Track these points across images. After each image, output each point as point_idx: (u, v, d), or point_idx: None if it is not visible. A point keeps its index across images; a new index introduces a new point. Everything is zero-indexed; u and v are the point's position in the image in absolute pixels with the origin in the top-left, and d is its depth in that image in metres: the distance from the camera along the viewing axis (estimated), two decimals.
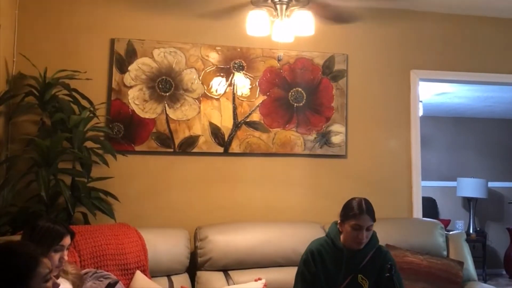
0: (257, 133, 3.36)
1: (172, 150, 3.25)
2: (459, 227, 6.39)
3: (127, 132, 3.19)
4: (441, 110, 6.54)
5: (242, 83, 3.36)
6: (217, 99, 3.33)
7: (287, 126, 3.41)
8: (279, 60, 3.30)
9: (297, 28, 2.99)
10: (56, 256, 1.88)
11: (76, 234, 2.11)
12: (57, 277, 1.89)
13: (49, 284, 1.49)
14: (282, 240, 2.95)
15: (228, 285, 2.75)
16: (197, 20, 3.36)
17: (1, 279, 1.39)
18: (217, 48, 3.35)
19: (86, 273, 2.26)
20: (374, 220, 2.34)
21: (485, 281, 5.74)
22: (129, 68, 3.21)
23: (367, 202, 2.38)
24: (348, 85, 3.53)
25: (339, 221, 2.42)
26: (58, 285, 1.53)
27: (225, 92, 3.34)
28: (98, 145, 2.92)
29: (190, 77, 3.29)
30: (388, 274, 2.02)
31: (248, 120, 3.35)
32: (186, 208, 3.23)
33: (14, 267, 1.42)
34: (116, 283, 2.24)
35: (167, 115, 3.25)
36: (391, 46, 3.65)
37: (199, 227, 3.00)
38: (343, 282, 2.32)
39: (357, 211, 2.32)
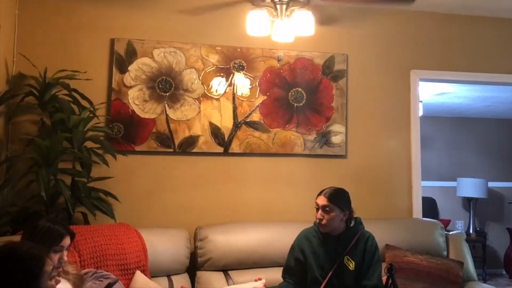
0: (257, 133, 3.36)
1: (172, 150, 3.25)
2: (459, 227, 6.38)
3: (127, 132, 3.19)
4: (441, 110, 6.54)
5: (242, 83, 3.36)
6: (217, 99, 3.33)
7: (287, 126, 3.41)
8: (279, 60, 3.30)
9: (297, 28, 2.99)
10: (56, 257, 1.87)
11: (76, 234, 2.10)
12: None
13: (53, 282, 1.53)
14: (282, 240, 2.93)
15: (228, 285, 2.76)
16: (197, 20, 3.36)
17: (13, 281, 1.42)
18: (217, 48, 3.35)
19: (86, 273, 2.25)
20: (334, 204, 2.46)
21: (485, 281, 5.73)
22: (129, 68, 3.21)
23: (332, 188, 2.52)
24: (348, 85, 3.53)
25: None
26: (59, 281, 1.55)
27: (225, 92, 3.34)
28: (98, 145, 2.93)
29: (190, 77, 3.29)
30: (388, 275, 2.03)
31: (248, 120, 3.35)
32: (186, 208, 3.23)
33: (26, 269, 1.44)
34: (115, 282, 2.24)
35: (167, 115, 3.25)
36: (391, 46, 3.66)
37: (199, 227, 3.00)
38: (333, 264, 2.44)
39: (317, 194, 2.52)
